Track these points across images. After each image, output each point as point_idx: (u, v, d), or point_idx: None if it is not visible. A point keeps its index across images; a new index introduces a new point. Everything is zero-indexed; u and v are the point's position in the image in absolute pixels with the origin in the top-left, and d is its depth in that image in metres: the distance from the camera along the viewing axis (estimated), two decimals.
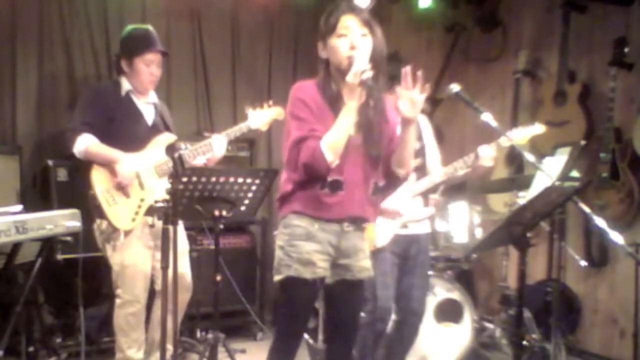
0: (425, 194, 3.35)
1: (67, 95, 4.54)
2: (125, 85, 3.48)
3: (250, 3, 5.13)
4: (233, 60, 5.21)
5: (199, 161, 3.47)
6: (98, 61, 4.64)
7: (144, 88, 3.50)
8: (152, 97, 3.59)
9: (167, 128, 3.60)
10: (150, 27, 3.56)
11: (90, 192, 3.31)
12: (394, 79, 3.13)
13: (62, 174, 4.01)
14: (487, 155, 3.12)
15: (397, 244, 3.25)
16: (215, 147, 3.44)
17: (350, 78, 2.28)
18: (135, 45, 3.45)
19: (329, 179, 2.37)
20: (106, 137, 3.34)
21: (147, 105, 3.56)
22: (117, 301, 3.38)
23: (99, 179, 3.31)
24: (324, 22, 2.42)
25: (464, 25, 5.08)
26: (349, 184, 2.40)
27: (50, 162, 4.01)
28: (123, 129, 3.39)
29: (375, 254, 3.13)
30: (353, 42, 2.34)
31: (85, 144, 3.31)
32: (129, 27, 3.56)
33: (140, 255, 3.36)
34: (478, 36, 5.06)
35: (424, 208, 3.36)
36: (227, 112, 5.20)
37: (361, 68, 2.27)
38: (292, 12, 5.32)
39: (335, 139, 2.30)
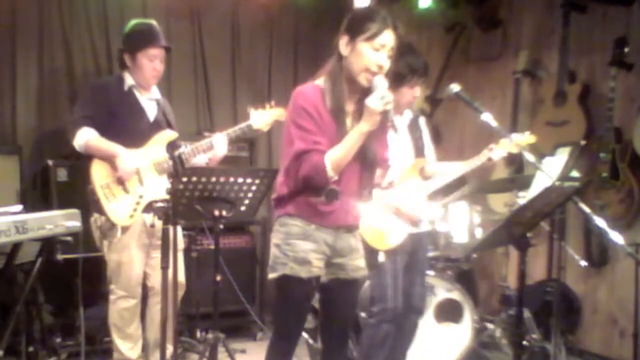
0: (434, 195, 3.42)
1: (67, 94, 4.54)
2: (129, 80, 3.46)
3: (250, 3, 5.12)
4: (233, 60, 5.21)
5: (199, 160, 3.46)
6: (98, 61, 4.64)
7: (146, 83, 3.49)
8: (155, 93, 3.58)
9: (169, 125, 3.58)
10: (154, 22, 3.54)
11: (89, 187, 3.31)
12: (414, 72, 3.15)
13: (62, 174, 4.01)
14: (499, 156, 3.27)
15: (408, 243, 3.27)
16: (216, 146, 3.43)
17: (374, 104, 2.24)
18: (139, 40, 3.43)
19: (326, 187, 2.36)
20: (107, 132, 3.33)
21: (150, 102, 3.54)
22: (111, 297, 3.39)
23: (98, 174, 3.31)
24: (362, 21, 2.32)
25: (464, 25, 5.08)
26: (345, 193, 2.40)
27: (50, 162, 4.01)
28: (124, 124, 3.38)
29: (388, 254, 3.14)
30: (381, 62, 2.30)
31: (86, 137, 3.31)
32: (133, 21, 3.54)
33: (136, 254, 3.37)
34: (478, 36, 5.06)
35: (432, 208, 3.41)
36: (227, 112, 5.20)
37: (386, 97, 2.24)
38: (292, 12, 5.32)
39: (340, 158, 2.30)
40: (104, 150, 3.31)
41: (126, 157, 3.29)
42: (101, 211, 3.29)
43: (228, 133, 3.48)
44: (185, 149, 3.42)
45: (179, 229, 3.53)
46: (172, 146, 3.46)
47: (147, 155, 3.40)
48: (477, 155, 3.32)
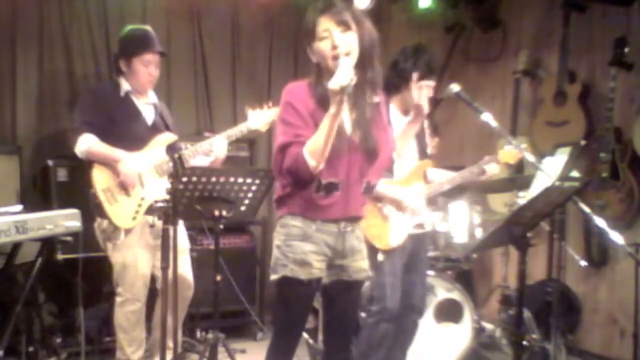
0: (431, 199, 3.44)
1: (67, 95, 4.54)
2: (125, 85, 3.49)
3: (250, 3, 5.12)
4: (233, 60, 5.21)
5: (199, 161, 3.48)
6: (98, 61, 4.64)
7: (142, 88, 3.52)
8: (152, 97, 3.61)
9: (167, 128, 3.62)
10: (149, 28, 3.57)
11: (90, 191, 3.33)
12: (432, 71, 3.18)
13: (62, 174, 4.01)
14: (493, 171, 3.38)
15: (408, 243, 3.27)
16: (216, 148, 3.45)
17: (331, 84, 2.22)
18: (134, 46, 3.46)
19: (324, 181, 2.35)
20: (107, 137, 3.36)
21: (147, 106, 3.58)
22: (117, 299, 3.40)
23: (100, 178, 3.33)
24: (305, 28, 2.41)
25: (464, 25, 5.08)
26: (345, 184, 2.39)
27: (50, 162, 4.01)
28: (123, 129, 3.41)
29: (388, 254, 3.15)
30: (334, 43, 2.33)
31: (87, 143, 3.33)
32: (128, 27, 3.58)
33: (141, 255, 3.38)
34: (478, 36, 5.06)
35: (433, 211, 3.45)
36: (227, 112, 5.20)
37: (343, 75, 2.21)
38: (292, 12, 5.31)
39: (316, 146, 2.26)
40: (107, 156, 3.34)
41: (128, 161, 3.33)
42: (104, 215, 3.32)
43: (227, 135, 3.50)
44: (184, 150, 3.45)
45: (183, 228, 3.56)
46: (171, 148, 3.49)
47: (147, 158, 3.43)
48: (471, 167, 3.39)
